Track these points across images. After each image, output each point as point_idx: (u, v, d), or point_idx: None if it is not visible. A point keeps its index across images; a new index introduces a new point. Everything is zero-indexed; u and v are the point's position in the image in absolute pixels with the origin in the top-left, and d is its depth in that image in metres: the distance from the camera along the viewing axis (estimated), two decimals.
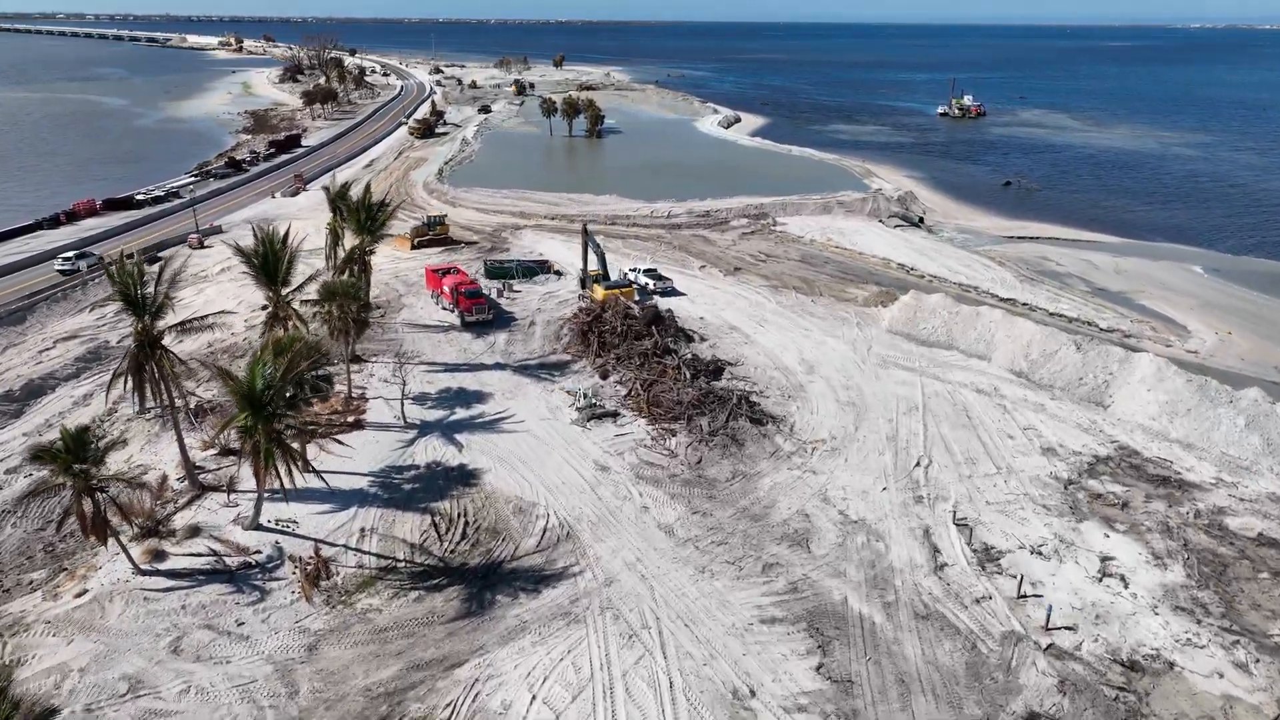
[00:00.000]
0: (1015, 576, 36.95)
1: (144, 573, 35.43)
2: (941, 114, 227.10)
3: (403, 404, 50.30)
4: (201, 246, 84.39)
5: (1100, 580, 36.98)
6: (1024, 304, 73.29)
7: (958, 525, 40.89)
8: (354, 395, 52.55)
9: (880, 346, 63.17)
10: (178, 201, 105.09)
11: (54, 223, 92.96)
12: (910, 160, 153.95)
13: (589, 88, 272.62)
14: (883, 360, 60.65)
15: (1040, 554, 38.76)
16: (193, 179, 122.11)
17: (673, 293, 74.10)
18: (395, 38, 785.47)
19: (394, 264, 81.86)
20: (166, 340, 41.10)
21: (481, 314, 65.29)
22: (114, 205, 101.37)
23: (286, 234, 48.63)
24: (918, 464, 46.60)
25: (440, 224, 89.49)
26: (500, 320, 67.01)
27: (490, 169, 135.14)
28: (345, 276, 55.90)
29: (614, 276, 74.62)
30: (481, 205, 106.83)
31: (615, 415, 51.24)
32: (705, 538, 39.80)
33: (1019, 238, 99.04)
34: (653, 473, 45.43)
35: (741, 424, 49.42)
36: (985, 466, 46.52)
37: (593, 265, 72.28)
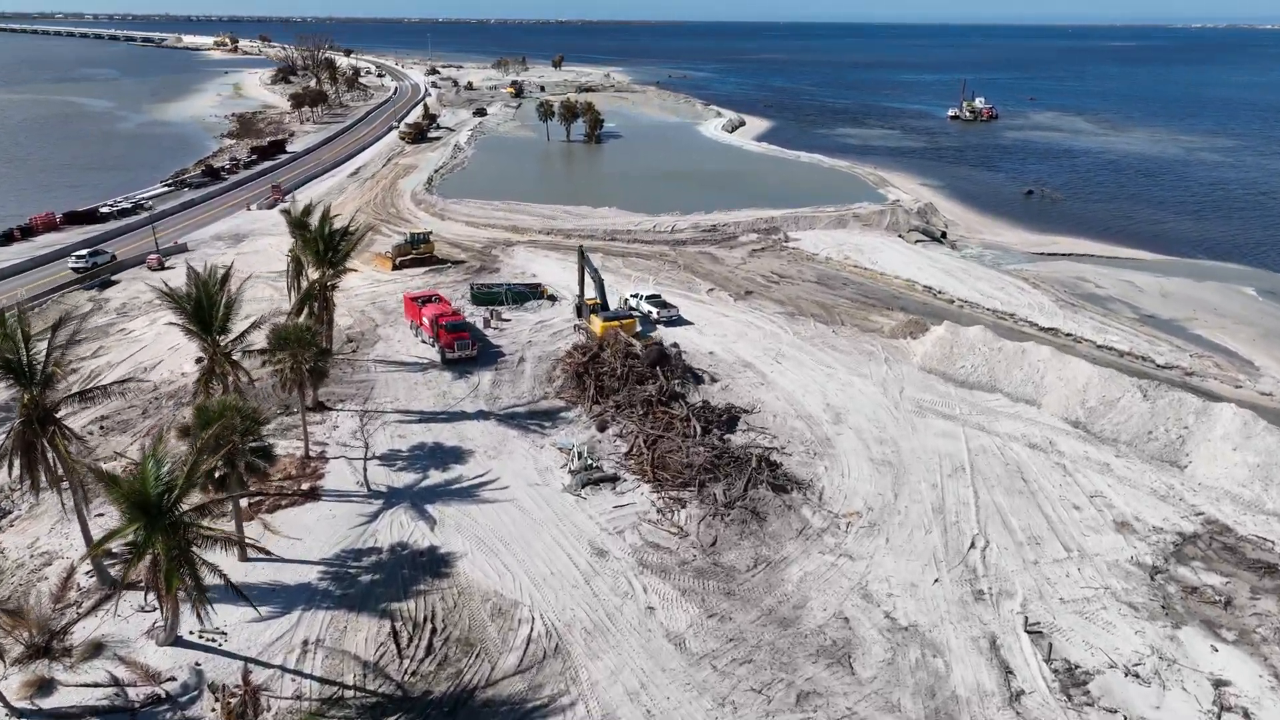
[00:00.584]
0: (1112, 711, 29.73)
1: (18, 715, 28.18)
2: (952, 117, 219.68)
3: (365, 471, 43.02)
4: (162, 268, 77.13)
5: (1219, 718, 29.75)
6: (1068, 334, 66.07)
7: (1030, 633, 33.69)
8: (312, 454, 45.33)
9: (914, 388, 55.95)
10: (145, 215, 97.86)
11: (6, 239, 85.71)
12: (924, 167, 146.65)
13: (588, 89, 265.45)
14: (918, 406, 53.42)
15: (1137, 676, 31.55)
16: (166, 188, 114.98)
17: (679, 321, 66.90)
18: (396, 38, 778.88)
19: (372, 287, 74.62)
20: (94, 399, 34.01)
21: (464, 350, 58.04)
22: (76, 219, 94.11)
23: (227, 274, 41.36)
24: (972, 545, 39.39)
25: (425, 241, 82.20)
26: (486, 356, 59.77)
27: (483, 177, 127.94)
28: (304, 316, 48.60)
29: (614, 304, 67.51)
30: (472, 218, 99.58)
31: (615, 480, 44.03)
32: (725, 653, 32.57)
33: (1050, 254, 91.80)
34: (659, 558, 38.22)
35: (762, 492, 42.19)
36: (1052, 548, 39.30)
37: (590, 293, 65.11)
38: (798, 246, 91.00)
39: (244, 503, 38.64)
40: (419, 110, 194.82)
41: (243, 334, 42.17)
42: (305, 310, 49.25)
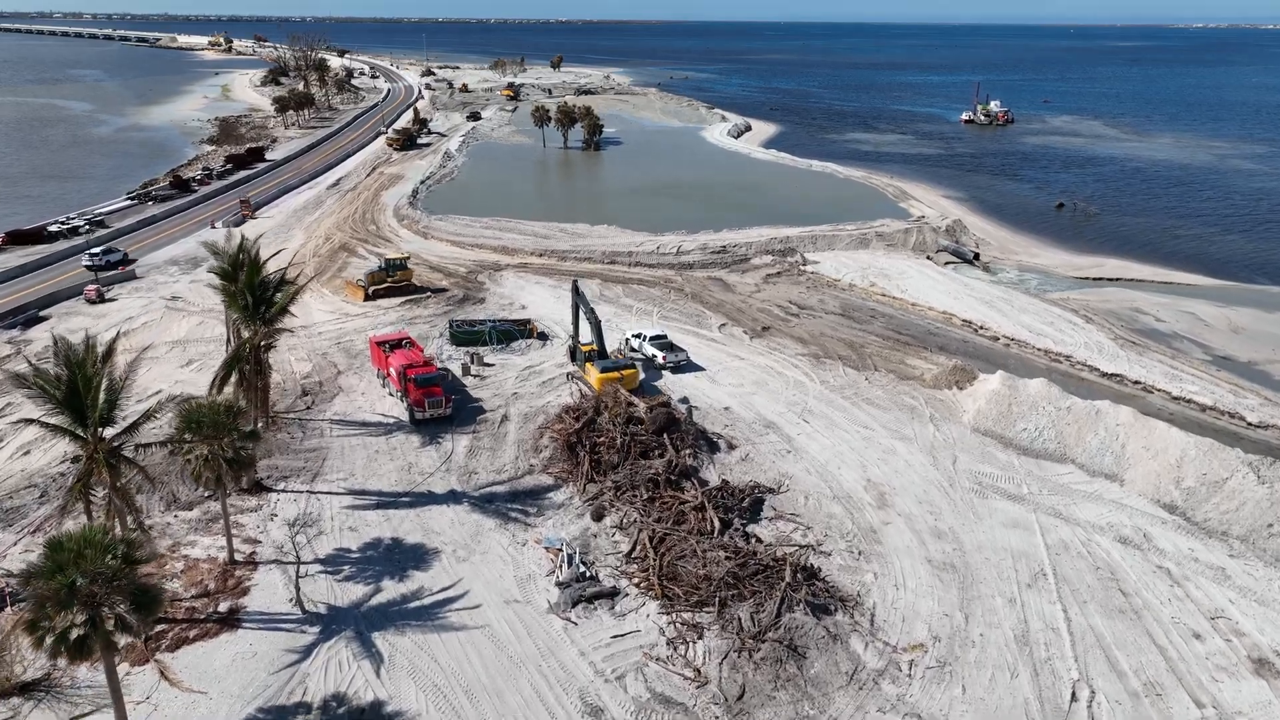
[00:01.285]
0: None
1: None
2: (966, 121, 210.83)
3: (299, 590, 34.20)
4: (101, 300, 68.26)
5: None
6: (1136, 382, 57.30)
7: None
8: (238, 558, 36.52)
9: (969, 456, 47.14)
10: (100, 233, 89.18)
11: None
12: (943, 176, 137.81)
13: (587, 92, 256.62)
14: (978, 481, 44.61)
15: None
16: (129, 202, 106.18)
17: (688, 367, 58.11)
18: (397, 37, 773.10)
19: (339, 323, 65.72)
20: None
21: (437, 409, 49.24)
22: (19, 239, 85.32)
23: (112, 346, 32.50)
24: (1074, 697, 30.59)
25: (401, 268, 73.32)
26: (463, 412, 50.98)
27: (473, 189, 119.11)
28: (231, 388, 39.76)
29: (614, 345, 58.77)
30: (458, 237, 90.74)
31: (613, 594, 35.24)
32: None
33: (1096, 279, 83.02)
34: (672, 719, 29.41)
35: (800, 617, 33.37)
36: (1178, 701, 30.50)
37: (585, 334, 56.35)
38: (817, 271, 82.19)
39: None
40: (409, 115, 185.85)
41: (144, 416, 33.19)
42: (235, 377, 40.16)
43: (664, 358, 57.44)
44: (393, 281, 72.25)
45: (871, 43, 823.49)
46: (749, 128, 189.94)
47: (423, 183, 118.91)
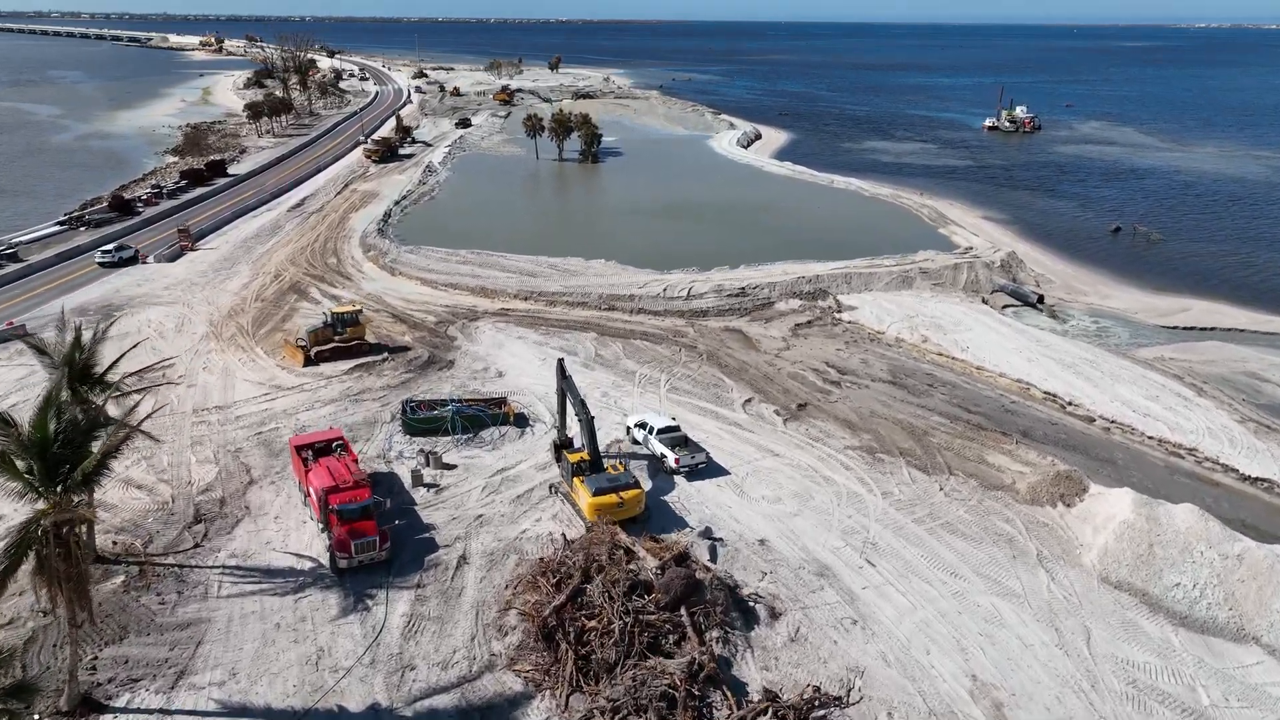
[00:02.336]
0: None
1: None
2: (989, 127, 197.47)
3: None
4: None
5: None
6: None
7: None
8: None
9: (1106, 629, 33.78)
10: (10, 268, 75.92)
11: None
12: (978, 194, 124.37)
13: (585, 95, 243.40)
14: (1130, 679, 31.25)
15: None
16: (59, 227, 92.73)
17: (707, 470, 44.77)
18: (397, 38, 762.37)
19: (266, 402, 52.20)
20: None
21: (368, 553, 35.87)
22: None
23: None
24: None
25: (353, 323, 59.75)
26: (406, 549, 37.66)
27: (453, 211, 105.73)
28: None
29: (612, 438, 45.49)
30: (430, 274, 77.39)
31: None
32: None
33: (1187, 329, 69.72)
34: None
35: None
36: None
37: (572, 424, 43.10)
38: (855, 320, 68.80)
39: None
40: (392, 123, 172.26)
41: None
42: (34, 564, 26.20)
43: (676, 460, 44.05)
44: (340, 341, 58.80)
45: (873, 43, 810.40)
46: (759, 136, 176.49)
47: (398, 203, 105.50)
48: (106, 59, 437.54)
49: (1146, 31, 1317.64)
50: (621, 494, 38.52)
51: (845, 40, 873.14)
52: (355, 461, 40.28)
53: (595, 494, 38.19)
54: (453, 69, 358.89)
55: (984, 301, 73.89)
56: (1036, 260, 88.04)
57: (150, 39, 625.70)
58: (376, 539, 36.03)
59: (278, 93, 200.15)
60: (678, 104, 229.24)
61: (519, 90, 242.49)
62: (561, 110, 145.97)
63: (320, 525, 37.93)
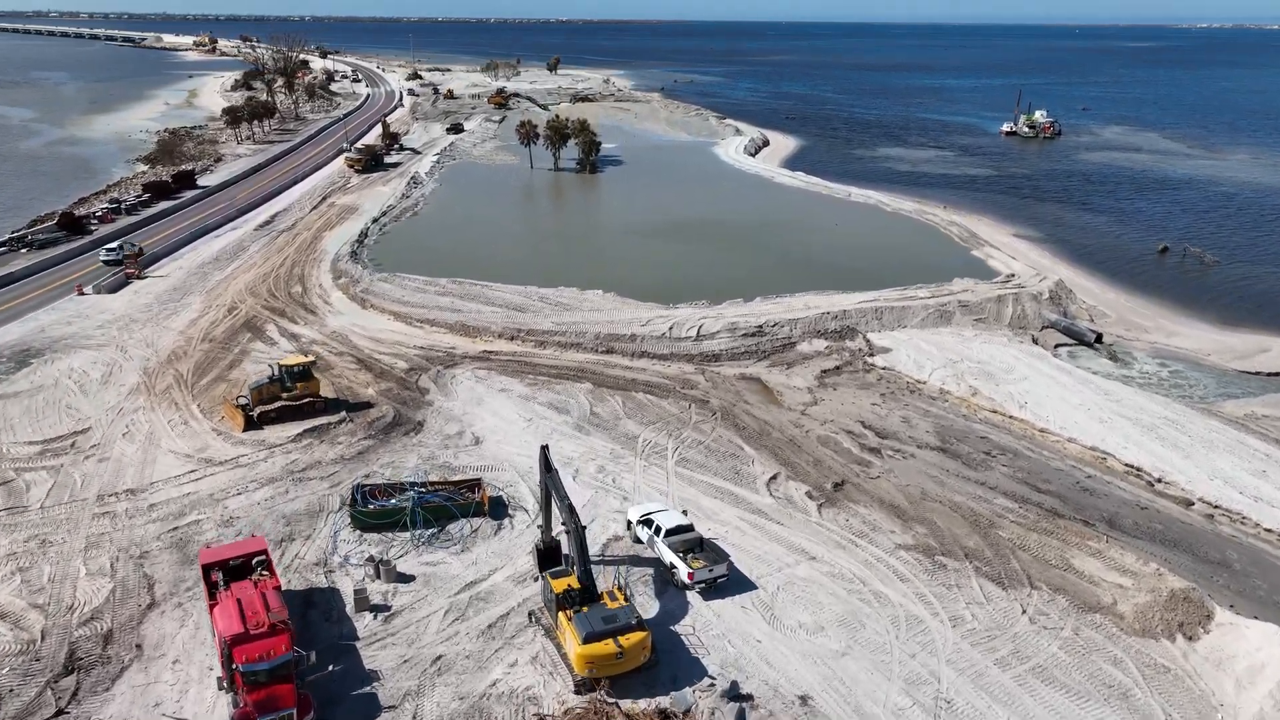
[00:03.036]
0: None
1: None
2: (1007, 132, 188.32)
3: None
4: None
5: None
6: None
7: None
8: None
9: None
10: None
11: None
12: (1006, 208, 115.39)
13: (584, 98, 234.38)
14: None
15: None
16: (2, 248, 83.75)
17: (725, 584, 35.69)
18: (396, 38, 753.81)
19: (190, 482, 43.00)
20: None
21: None
22: None
23: None
24: None
25: (304, 376, 50.66)
26: (338, 714, 28.61)
27: (437, 230, 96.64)
28: None
29: (608, 535, 36.50)
30: (405, 307, 68.31)
31: None
32: None
33: (1271, 374, 60.67)
34: None
35: None
36: None
37: (556, 523, 34.14)
38: (890, 365, 59.75)
39: None
40: (382, 127, 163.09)
41: None
42: None
43: (691, 574, 34.95)
44: (289, 399, 49.74)
45: (873, 43, 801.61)
46: (766, 142, 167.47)
47: (377, 220, 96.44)
48: (96, 59, 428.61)
49: (1147, 32, 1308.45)
50: (621, 640, 29.44)
51: (845, 40, 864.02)
52: (278, 590, 31.11)
53: (586, 641, 29.13)
54: (449, 70, 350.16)
55: (1034, 341, 64.87)
56: (1084, 288, 78.96)
57: (144, 39, 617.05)
58: (294, 711, 26.95)
59: (263, 96, 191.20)
60: (680, 107, 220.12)
61: (515, 94, 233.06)
62: (558, 116, 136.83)
63: (223, 682, 28.83)
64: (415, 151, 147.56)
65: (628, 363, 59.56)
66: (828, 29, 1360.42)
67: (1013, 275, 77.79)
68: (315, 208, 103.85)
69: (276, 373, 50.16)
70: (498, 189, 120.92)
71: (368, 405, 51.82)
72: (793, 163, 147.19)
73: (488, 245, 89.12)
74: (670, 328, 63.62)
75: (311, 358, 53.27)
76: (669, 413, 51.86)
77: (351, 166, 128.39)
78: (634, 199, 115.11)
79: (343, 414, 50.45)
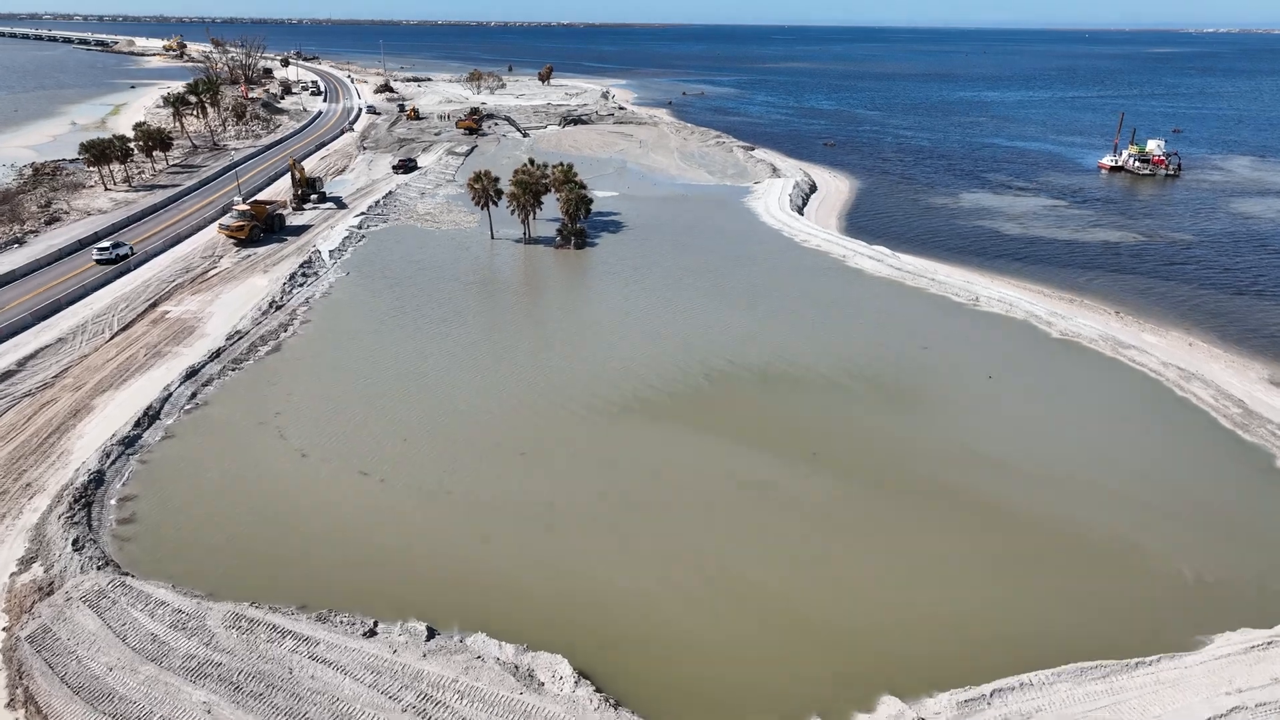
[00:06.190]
0: None
1: None
2: (1111, 168, 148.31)
3: None
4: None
5: None
6: None
7: None
8: None
9: None
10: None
11: None
12: (1213, 313, 75.25)
13: (577, 120, 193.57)
14: None
15: None
16: None
17: None
18: (396, 39, 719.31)
19: None
20: None
21: None
22: None
23: None
24: None
25: None
26: None
27: (293, 400, 55.61)
28: None
29: None
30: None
31: None
32: None
33: None
34: None
35: None
36: None
37: None
38: None
39: None
40: (293, 172, 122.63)
41: None
42: None
43: None
44: None
45: (884, 49, 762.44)
46: (813, 186, 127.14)
47: (216, 353, 56.16)
48: (45, 65, 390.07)
49: (1156, 37, 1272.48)
50: None
51: (854, 46, 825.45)
52: None
53: None
54: (428, 80, 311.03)
55: None
56: None
57: (116, 42, 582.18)
58: None
59: (169, 119, 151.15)
60: (696, 132, 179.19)
61: (491, 115, 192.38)
62: (531, 163, 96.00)
63: None
64: (338, 205, 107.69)
65: None
66: (832, 33, 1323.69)
67: None
68: (126, 328, 63.78)
69: None
70: (431, 289, 78.84)
71: None
72: (856, 223, 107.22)
73: (363, 453, 47.91)
74: None
75: None
76: None
77: (231, 236, 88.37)
78: (638, 313, 73.07)
79: None
